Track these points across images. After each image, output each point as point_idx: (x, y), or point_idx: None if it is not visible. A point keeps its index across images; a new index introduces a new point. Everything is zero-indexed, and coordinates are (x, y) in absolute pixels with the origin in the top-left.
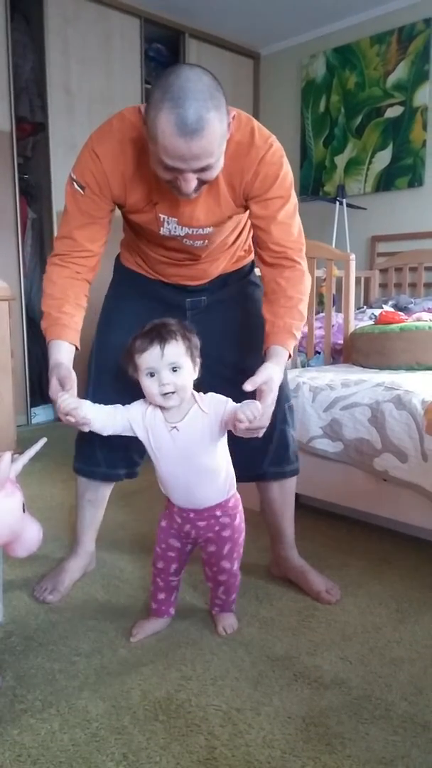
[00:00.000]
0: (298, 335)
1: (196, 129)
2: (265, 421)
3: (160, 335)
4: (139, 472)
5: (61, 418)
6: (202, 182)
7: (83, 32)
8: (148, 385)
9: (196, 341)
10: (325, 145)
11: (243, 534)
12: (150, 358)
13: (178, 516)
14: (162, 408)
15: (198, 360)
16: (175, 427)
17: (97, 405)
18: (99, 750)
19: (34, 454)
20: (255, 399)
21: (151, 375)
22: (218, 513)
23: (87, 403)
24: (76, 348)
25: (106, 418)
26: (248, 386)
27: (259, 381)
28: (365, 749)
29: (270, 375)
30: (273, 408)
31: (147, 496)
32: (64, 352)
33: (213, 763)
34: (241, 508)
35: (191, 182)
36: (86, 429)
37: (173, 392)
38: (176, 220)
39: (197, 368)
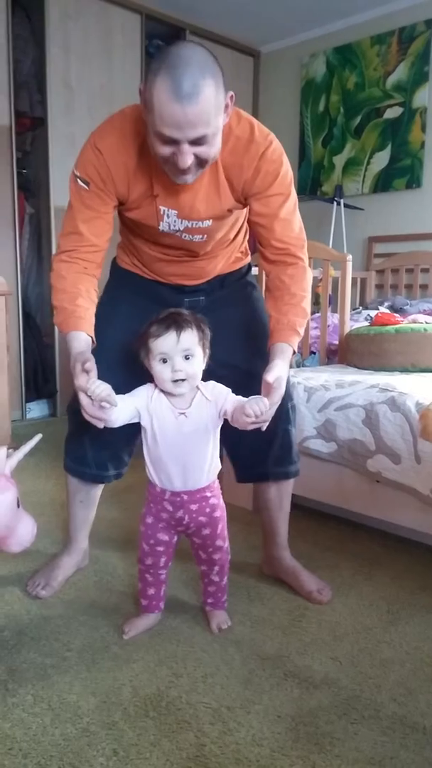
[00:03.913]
0: (302, 332)
1: (190, 93)
2: (269, 416)
3: (177, 322)
4: (126, 472)
5: (86, 409)
6: (199, 162)
7: (84, 27)
8: (159, 370)
9: (207, 332)
10: (324, 144)
11: (225, 508)
12: (165, 343)
13: (170, 504)
14: (168, 394)
15: (207, 351)
16: (183, 413)
17: None
18: (89, 745)
19: (29, 450)
20: (260, 394)
21: (164, 361)
22: (208, 494)
23: None
24: (93, 341)
25: (120, 409)
26: (270, 377)
27: (274, 376)
28: (354, 749)
29: (281, 373)
30: (278, 405)
31: (139, 493)
32: (83, 342)
33: (202, 761)
34: (218, 483)
35: (187, 156)
36: (106, 421)
37: (184, 380)
38: (176, 212)
39: (206, 358)
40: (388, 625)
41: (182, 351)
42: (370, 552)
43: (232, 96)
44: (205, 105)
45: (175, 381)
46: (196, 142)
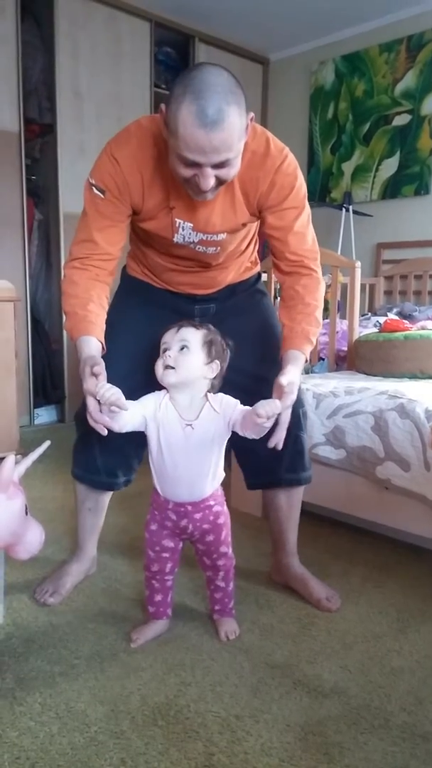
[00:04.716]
0: (314, 341)
1: (216, 120)
2: (284, 426)
3: (182, 322)
4: (135, 478)
5: (92, 414)
6: (219, 182)
7: (93, 35)
8: (158, 363)
9: (220, 344)
10: (333, 151)
11: (229, 515)
12: (167, 334)
13: (173, 513)
14: (173, 400)
15: (217, 363)
16: (190, 425)
17: None
18: (97, 754)
19: (38, 457)
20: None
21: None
22: (211, 503)
23: None
24: (103, 347)
25: (128, 415)
26: (283, 380)
27: (287, 380)
28: (363, 759)
29: (294, 378)
30: (290, 411)
31: (148, 500)
32: (94, 347)
33: None
34: (222, 491)
35: (209, 178)
36: (111, 428)
37: (173, 368)
38: (191, 225)
39: (214, 370)
40: (397, 633)
41: (179, 341)
42: (380, 559)
43: (252, 117)
44: (230, 131)
45: (166, 367)
46: (219, 165)
